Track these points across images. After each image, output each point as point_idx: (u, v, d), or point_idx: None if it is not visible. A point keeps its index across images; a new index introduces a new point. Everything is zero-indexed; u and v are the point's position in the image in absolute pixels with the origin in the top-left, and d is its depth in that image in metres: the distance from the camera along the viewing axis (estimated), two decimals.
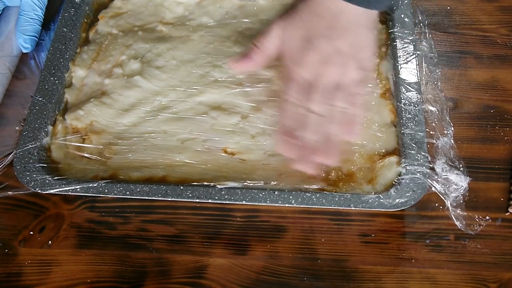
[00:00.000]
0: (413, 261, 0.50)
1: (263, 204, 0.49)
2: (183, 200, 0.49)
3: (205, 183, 0.50)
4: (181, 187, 0.49)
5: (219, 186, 0.49)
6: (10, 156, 0.53)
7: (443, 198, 0.51)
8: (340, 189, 0.51)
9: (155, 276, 0.49)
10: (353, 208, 0.49)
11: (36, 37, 0.61)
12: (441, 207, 0.52)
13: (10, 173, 0.53)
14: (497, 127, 0.58)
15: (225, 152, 0.53)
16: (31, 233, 0.51)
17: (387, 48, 0.60)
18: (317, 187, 0.51)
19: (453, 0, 0.68)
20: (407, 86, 0.56)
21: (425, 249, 0.51)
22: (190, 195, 0.49)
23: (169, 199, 0.49)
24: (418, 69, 0.57)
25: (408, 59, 0.58)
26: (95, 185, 0.49)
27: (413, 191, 0.49)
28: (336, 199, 0.49)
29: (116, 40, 0.61)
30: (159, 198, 0.49)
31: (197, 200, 0.49)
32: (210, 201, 0.49)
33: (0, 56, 0.59)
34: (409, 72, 0.57)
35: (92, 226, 0.52)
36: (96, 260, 0.50)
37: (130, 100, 0.56)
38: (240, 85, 0.56)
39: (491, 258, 0.50)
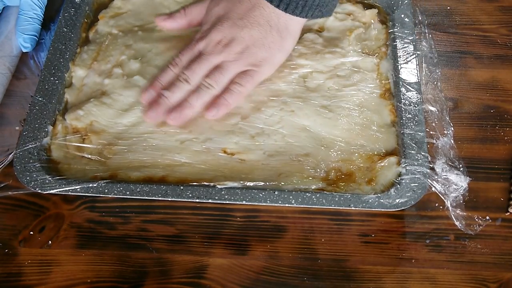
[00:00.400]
0: (413, 261, 0.50)
1: (263, 204, 0.49)
2: (183, 200, 0.49)
3: (204, 183, 0.50)
4: (181, 187, 0.49)
5: (219, 186, 0.50)
6: (10, 156, 0.53)
7: (443, 198, 0.51)
8: (340, 189, 0.51)
9: (155, 276, 0.49)
10: (353, 208, 0.49)
11: (35, 36, 0.61)
12: (441, 207, 0.52)
13: (10, 173, 0.53)
14: (497, 127, 0.58)
15: (225, 152, 0.53)
16: (31, 233, 0.51)
17: (387, 48, 0.60)
18: (317, 187, 0.51)
19: (453, 0, 0.68)
20: (407, 86, 0.56)
21: (425, 249, 0.51)
22: (190, 195, 0.49)
23: (169, 199, 0.49)
24: (418, 69, 0.57)
25: (408, 59, 0.58)
26: (95, 185, 0.49)
27: (413, 191, 0.49)
28: (336, 199, 0.49)
29: (116, 40, 0.61)
30: (159, 198, 0.49)
31: (197, 200, 0.49)
32: (210, 201, 0.49)
33: (0, 56, 0.59)
34: (409, 72, 0.57)
35: (92, 226, 0.52)
36: (96, 260, 0.50)
37: (130, 100, 0.56)
38: None
39: (491, 258, 0.50)
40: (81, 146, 0.53)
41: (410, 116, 0.54)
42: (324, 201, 0.49)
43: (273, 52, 0.53)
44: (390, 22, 0.61)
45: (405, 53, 0.58)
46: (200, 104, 0.53)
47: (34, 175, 0.50)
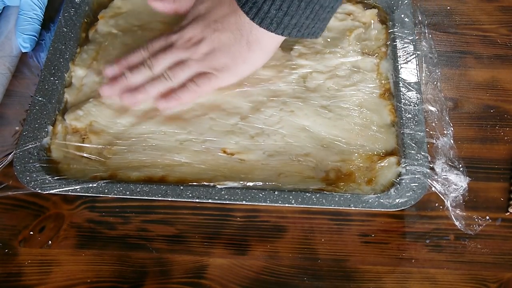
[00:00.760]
0: (413, 261, 0.50)
1: (263, 204, 0.49)
2: (183, 200, 0.49)
3: (204, 183, 0.50)
4: (181, 187, 0.49)
5: (219, 186, 0.50)
6: (10, 156, 0.53)
7: (443, 198, 0.51)
8: (339, 189, 0.51)
9: (155, 276, 0.49)
10: (353, 208, 0.49)
11: (35, 36, 0.61)
12: (441, 207, 0.52)
13: (10, 173, 0.53)
14: (497, 127, 0.58)
15: (224, 152, 0.53)
16: (31, 233, 0.51)
17: (387, 48, 0.60)
18: (316, 187, 0.51)
19: (453, 0, 0.68)
20: (407, 86, 0.56)
21: (425, 249, 0.51)
22: (190, 195, 0.49)
23: (169, 199, 0.49)
24: (418, 69, 0.57)
25: (408, 59, 0.58)
26: (95, 185, 0.49)
27: (413, 191, 0.49)
28: (336, 199, 0.49)
29: (116, 40, 0.61)
30: (159, 198, 0.49)
31: (197, 200, 0.49)
32: (210, 201, 0.49)
33: (0, 56, 0.59)
34: (409, 72, 0.57)
35: (92, 226, 0.52)
36: (96, 260, 0.50)
37: None
38: (240, 85, 0.56)
39: (491, 258, 0.50)
40: (81, 146, 0.53)
41: (410, 116, 0.54)
42: (324, 201, 0.49)
43: (237, 61, 0.53)
44: (390, 22, 0.61)
45: (405, 53, 0.58)
46: (154, 93, 0.54)
47: (34, 175, 0.50)
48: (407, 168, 0.50)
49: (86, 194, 0.50)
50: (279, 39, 0.52)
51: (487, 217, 0.52)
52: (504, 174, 0.55)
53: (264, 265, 0.50)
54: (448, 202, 0.51)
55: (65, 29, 0.60)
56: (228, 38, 0.52)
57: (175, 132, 0.54)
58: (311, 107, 0.55)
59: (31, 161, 0.51)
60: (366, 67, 0.59)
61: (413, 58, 0.58)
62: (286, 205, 0.49)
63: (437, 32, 0.65)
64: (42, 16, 0.62)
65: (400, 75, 0.56)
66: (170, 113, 0.55)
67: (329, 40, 0.60)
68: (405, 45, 0.59)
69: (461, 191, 0.51)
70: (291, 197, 0.49)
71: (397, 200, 0.49)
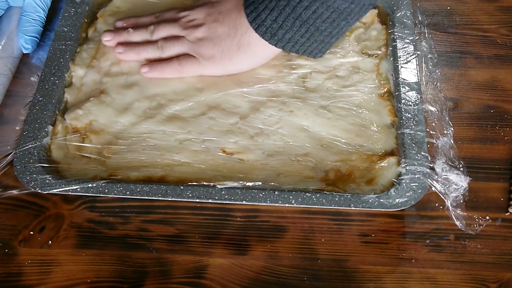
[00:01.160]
0: (413, 261, 0.50)
1: (263, 204, 0.49)
2: (183, 200, 0.49)
3: (204, 182, 0.50)
4: (181, 187, 0.49)
5: (219, 186, 0.50)
6: (10, 156, 0.53)
7: (443, 198, 0.51)
8: (339, 189, 0.51)
9: (155, 276, 0.49)
10: (353, 208, 0.49)
11: (37, 38, 0.61)
12: (441, 207, 0.52)
13: (10, 173, 0.53)
14: (497, 127, 0.58)
15: (224, 152, 0.53)
16: (31, 233, 0.51)
17: (387, 49, 0.60)
18: (316, 187, 0.51)
19: (453, 0, 0.68)
20: (407, 86, 0.56)
21: (425, 249, 0.51)
22: (190, 195, 0.49)
23: (169, 199, 0.49)
24: (418, 69, 0.57)
25: (408, 59, 0.58)
26: (95, 185, 0.49)
27: (413, 191, 0.49)
28: (336, 199, 0.49)
29: None
30: (159, 198, 0.49)
31: (197, 200, 0.49)
32: (210, 201, 0.49)
33: (2, 57, 0.59)
34: (409, 72, 0.57)
35: (92, 226, 0.52)
36: (96, 260, 0.50)
37: (128, 99, 0.56)
38: (239, 85, 0.56)
39: (491, 258, 0.50)
40: (81, 145, 0.53)
41: (410, 116, 0.54)
42: (324, 201, 0.49)
43: (224, 57, 0.54)
44: (390, 22, 0.61)
45: (405, 53, 0.58)
46: (144, 56, 0.57)
47: (34, 175, 0.50)
48: (407, 168, 0.50)
49: (86, 194, 0.50)
50: (274, 49, 0.53)
51: (487, 217, 0.52)
52: (504, 174, 0.55)
53: (264, 265, 0.50)
54: (449, 202, 0.50)
55: (65, 29, 0.60)
56: (223, 32, 0.53)
57: (175, 132, 0.54)
58: (311, 107, 0.55)
59: (31, 161, 0.51)
60: (366, 68, 0.59)
61: (413, 58, 0.58)
62: (286, 205, 0.49)
63: (437, 32, 0.65)
64: (45, 18, 0.62)
65: (400, 75, 0.56)
66: (170, 112, 0.55)
67: None
68: (405, 45, 0.59)
69: (461, 191, 0.51)
70: (291, 197, 0.49)
71: (397, 200, 0.49)
